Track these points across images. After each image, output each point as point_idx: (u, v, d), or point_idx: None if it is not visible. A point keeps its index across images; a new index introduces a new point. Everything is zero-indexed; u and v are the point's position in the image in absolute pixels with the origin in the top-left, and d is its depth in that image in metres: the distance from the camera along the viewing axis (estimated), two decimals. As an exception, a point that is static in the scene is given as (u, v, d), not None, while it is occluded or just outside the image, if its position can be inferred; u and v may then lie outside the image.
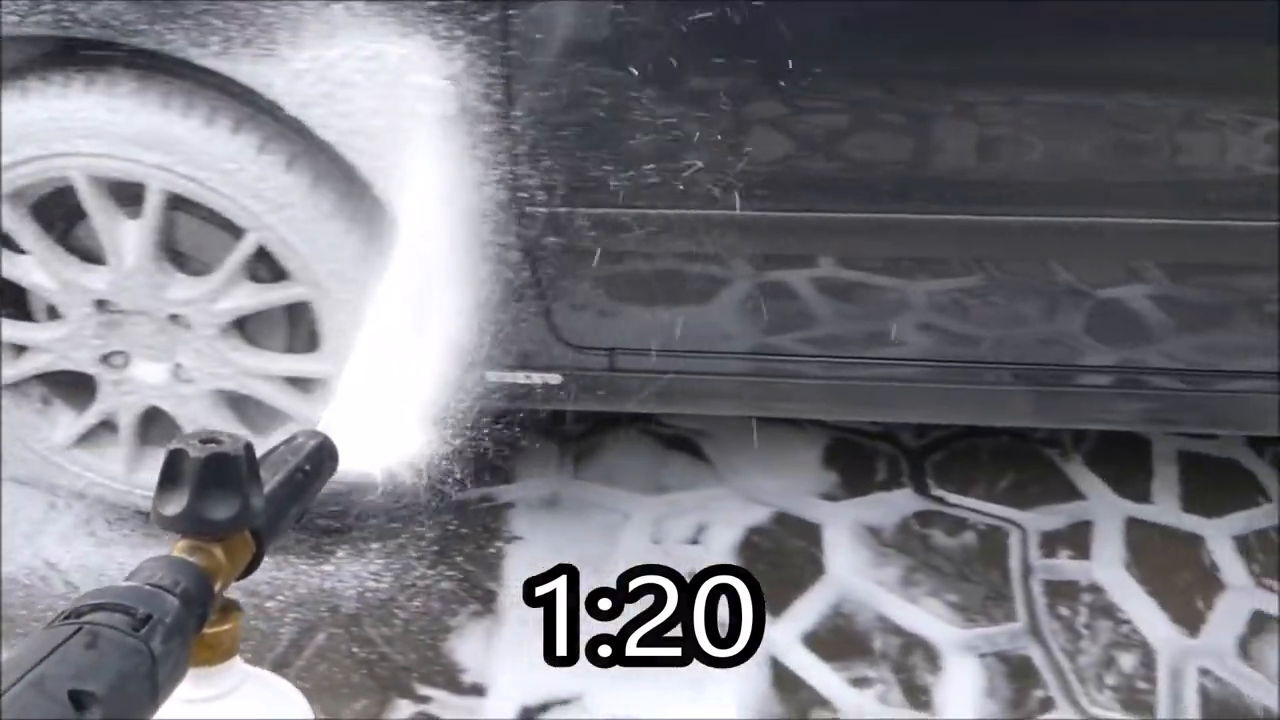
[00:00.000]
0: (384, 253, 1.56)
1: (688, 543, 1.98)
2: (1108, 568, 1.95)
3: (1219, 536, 2.02)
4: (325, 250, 1.57)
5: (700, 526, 2.01)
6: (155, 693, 0.56)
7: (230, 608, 0.69)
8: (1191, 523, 2.05)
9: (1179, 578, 1.94)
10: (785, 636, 1.80)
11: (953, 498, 2.10)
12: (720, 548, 1.97)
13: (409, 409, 1.11)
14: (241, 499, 0.66)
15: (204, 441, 0.67)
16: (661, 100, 1.40)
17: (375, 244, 1.57)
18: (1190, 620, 1.85)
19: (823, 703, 1.70)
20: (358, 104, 1.42)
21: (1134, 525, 2.04)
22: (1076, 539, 2.01)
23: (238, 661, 0.71)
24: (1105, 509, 2.08)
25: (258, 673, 0.74)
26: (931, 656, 1.78)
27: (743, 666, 1.73)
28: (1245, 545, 2.00)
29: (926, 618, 1.84)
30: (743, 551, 1.96)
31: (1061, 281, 1.60)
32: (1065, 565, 1.95)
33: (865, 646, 1.79)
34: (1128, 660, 1.77)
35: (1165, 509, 2.08)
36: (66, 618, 0.56)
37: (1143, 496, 2.11)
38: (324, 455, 0.83)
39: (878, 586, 1.90)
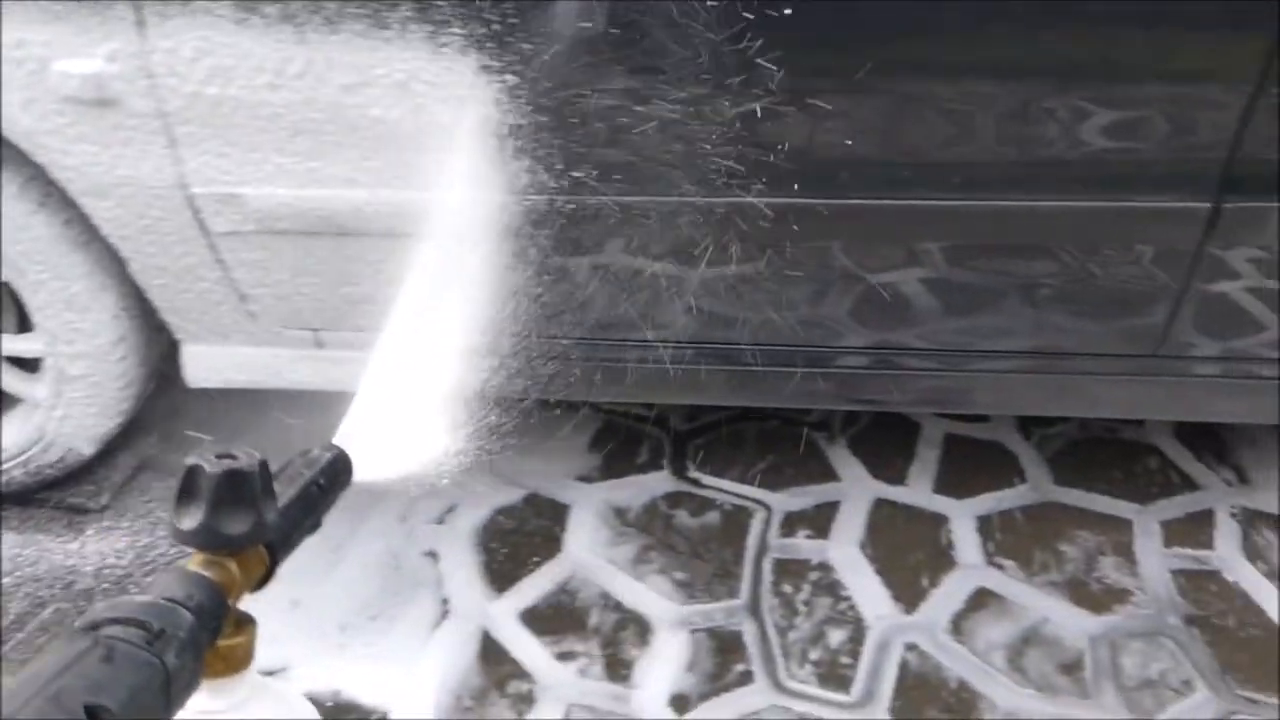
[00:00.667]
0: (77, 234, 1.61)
1: (434, 522, 2.02)
2: (843, 547, 1.97)
3: (963, 517, 2.04)
4: (12, 232, 1.62)
5: (450, 507, 2.05)
6: (169, 706, 0.58)
7: (244, 621, 0.70)
8: (940, 504, 2.07)
9: (912, 556, 1.96)
10: (503, 612, 1.84)
11: (707, 479, 2.13)
12: (464, 528, 2.01)
13: (423, 419, 1.12)
14: (256, 514, 0.68)
15: (220, 457, 0.68)
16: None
17: (69, 226, 1.63)
18: (911, 597, 1.88)
19: (524, 675, 1.73)
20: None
21: (881, 506, 2.07)
22: (819, 519, 2.04)
23: (251, 674, 0.71)
24: (857, 491, 2.11)
25: (270, 684, 0.76)
26: (643, 632, 1.81)
27: (455, 639, 1.78)
28: (987, 525, 2.02)
29: (649, 595, 1.87)
30: (485, 531, 2.00)
31: (825, 265, 1.64)
32: (801, 544, 1.98)
33: (581, 622, 1.83)
34: (837, 636, 1.80)
35: (917, 490, 2.11)
36: (82, 630, 0.57)
37: (898, 478, 2.14)
38: (339, 468, 0.84)
39: (609, 565, 1.93)
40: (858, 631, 1.81)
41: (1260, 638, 1.79)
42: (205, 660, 0.62)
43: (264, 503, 0.69)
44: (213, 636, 0.64)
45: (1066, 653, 1.76)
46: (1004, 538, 2.00)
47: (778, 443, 2.21)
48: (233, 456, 0.68)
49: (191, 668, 0.60)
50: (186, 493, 0.68)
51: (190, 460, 0.68)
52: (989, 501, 2.08)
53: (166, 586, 0.64)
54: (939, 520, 2.04)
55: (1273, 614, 1.83)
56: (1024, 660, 1.75)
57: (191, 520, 0.67)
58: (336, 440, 0.88)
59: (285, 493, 0.76)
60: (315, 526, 0.80)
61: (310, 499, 0.79)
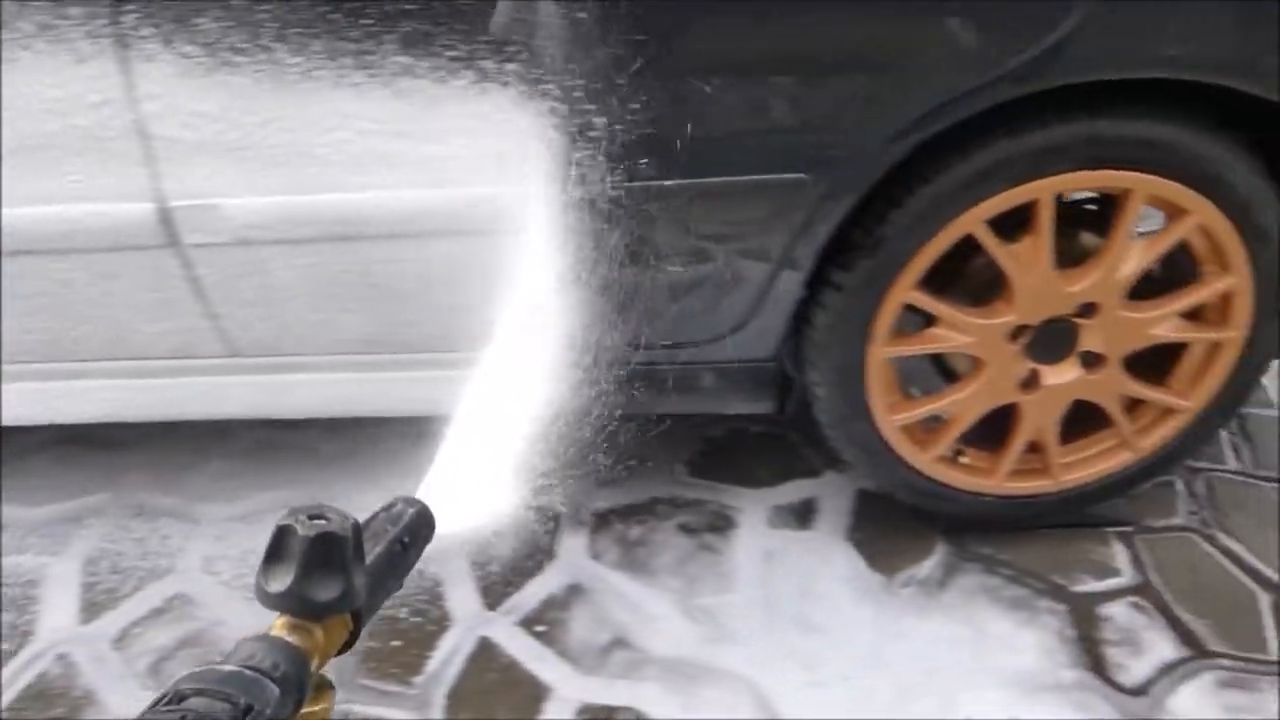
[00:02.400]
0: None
1: None
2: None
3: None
4: None
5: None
6: None
7: (323, 686, 0.68)
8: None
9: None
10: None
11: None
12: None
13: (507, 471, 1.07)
14: (345, 580, 0.66)
15: (312, 518, 0.66)
16: None
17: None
18: (496, 595, 1.88)
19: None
20: None
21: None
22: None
23: None
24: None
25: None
26: None
27: None
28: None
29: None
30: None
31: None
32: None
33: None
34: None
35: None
36: (169, 701, 0.56)
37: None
38: (421, 524, 0.80)
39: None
40: (441, 625, 1.79)
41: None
42: None
43: (355, 568, 0.67)
44: (296, 708, 0.62)
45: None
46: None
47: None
48: (325, 518, 0.66)
49: None
50: (275, 554, 0.66)
51: (282, 520, 0.66)
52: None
53: (251, 654, 0.62)
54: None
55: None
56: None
57: (280, 584, 0.65)
58: (420, 494, 0.84)
59: (370, 551, 0.72)
60: (397, 588, 0.76)
61: (394, 559, 0.75)
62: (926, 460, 1.80)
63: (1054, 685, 1.71)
